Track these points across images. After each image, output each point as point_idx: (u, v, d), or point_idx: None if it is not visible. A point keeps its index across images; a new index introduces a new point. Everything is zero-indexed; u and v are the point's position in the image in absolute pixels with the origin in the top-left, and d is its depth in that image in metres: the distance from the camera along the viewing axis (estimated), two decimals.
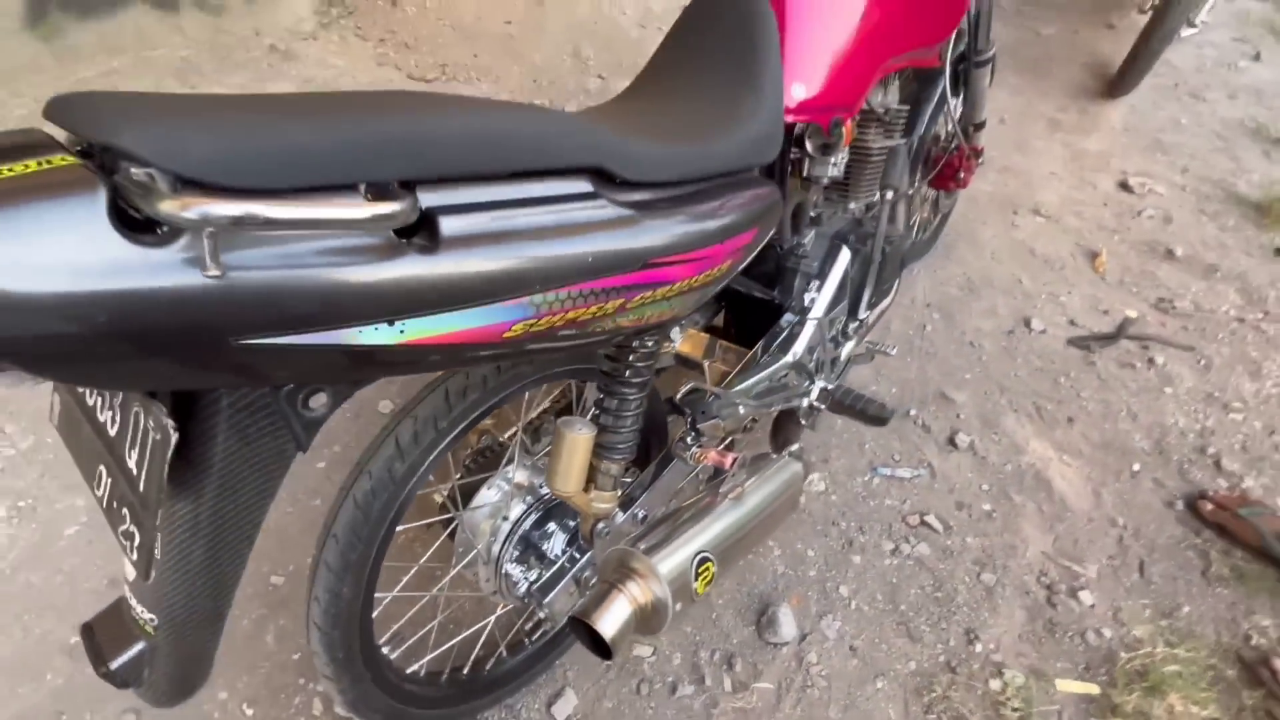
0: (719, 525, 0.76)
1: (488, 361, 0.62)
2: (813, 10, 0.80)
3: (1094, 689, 1.09)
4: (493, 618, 0.95)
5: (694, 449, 0.84)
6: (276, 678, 1.01)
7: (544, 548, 0.84)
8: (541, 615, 0.82)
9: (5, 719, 0.94)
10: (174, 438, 0.40)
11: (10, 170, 0.32)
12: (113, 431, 0.45)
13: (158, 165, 0.32)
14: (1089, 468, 1.41)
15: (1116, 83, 2.67)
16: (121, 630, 0.53)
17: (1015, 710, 1.05)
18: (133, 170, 0.33)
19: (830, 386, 1.09)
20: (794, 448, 1.00)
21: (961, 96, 1.49)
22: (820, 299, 1.02)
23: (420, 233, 0.42)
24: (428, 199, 0.42)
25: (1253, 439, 1.49)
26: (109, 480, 0.47)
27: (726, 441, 1.00)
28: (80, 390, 0.49)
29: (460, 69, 2.28)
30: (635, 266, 0.55)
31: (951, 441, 1.43)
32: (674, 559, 0.69)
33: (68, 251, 0.31)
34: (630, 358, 0.71)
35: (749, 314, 1.08)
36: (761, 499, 0.84)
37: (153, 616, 0.51)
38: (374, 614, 0.74)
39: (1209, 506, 1.32)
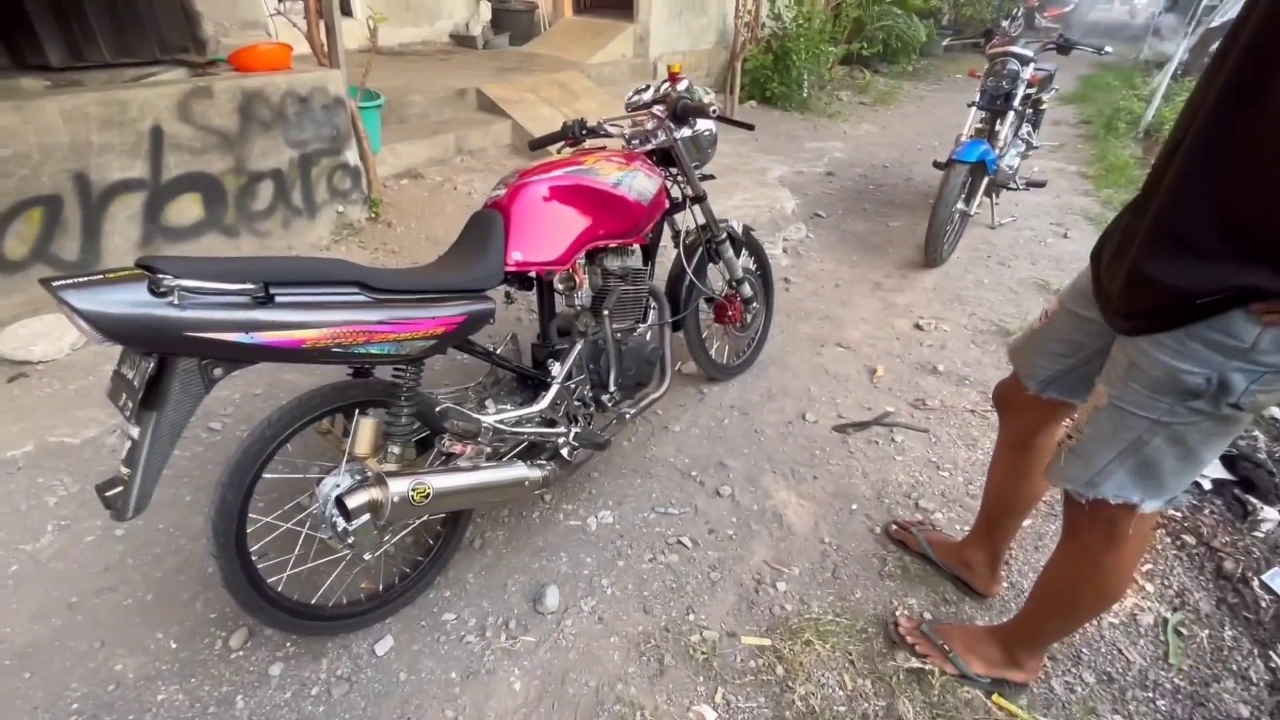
0: (447, 477, 1.36)
1: (296, 360, 1.16)
2: (521, 217, 1.53)
3: (766, 641, 1.50)
4: (336, 570, 1.47)
5: (446, 440, 1.44)
6: (198, 628, 1.50)
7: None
8: (349, 541, 1.33)
9: (12, 651, 1.44)
10: (152, 364, 1.05)
11: (119, 273, 1.02)
12: (129, 376, 1.09)
13: (163, 271, 1.01)
14: (818, 508, 1.90)
15: (927, 257, 3.49)
16: (113, 481, 1.11)
17: (703, 654, 1.46)
18: (158, 275, 1.02)
19: (580, 432, 1.69)
20: (541, 460, 1.58)
21: (721, 263, 2.25)
22: (559, 373, 1.67)
23: (269, 299, 1.11)
24: (275, 289, 1.11)
25: (952, 489, 1.98)
26: (125, 398, 1.09)
27: (488, 443, 1.54)
28: (120, 370, 1.12)
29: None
30: (375, 322, 1.22)
31: (717, 492, 1.95)
32: (401, 481, 1.28)
33: (134, 299, 0.99)
34: (400, 382, 1.36)
35: (532, 386, 1.73)
36: (491, 476, 1.45)
37: (128, 471, 1.09)
38: (248, 529, 1.29)
39: (894, 528, 1.78)
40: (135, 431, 1.08)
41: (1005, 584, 1.65)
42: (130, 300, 0.98)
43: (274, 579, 1.37)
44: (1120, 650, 1.52)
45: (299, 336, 1.12)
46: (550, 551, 1.73)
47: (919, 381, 2.52)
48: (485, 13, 6.33)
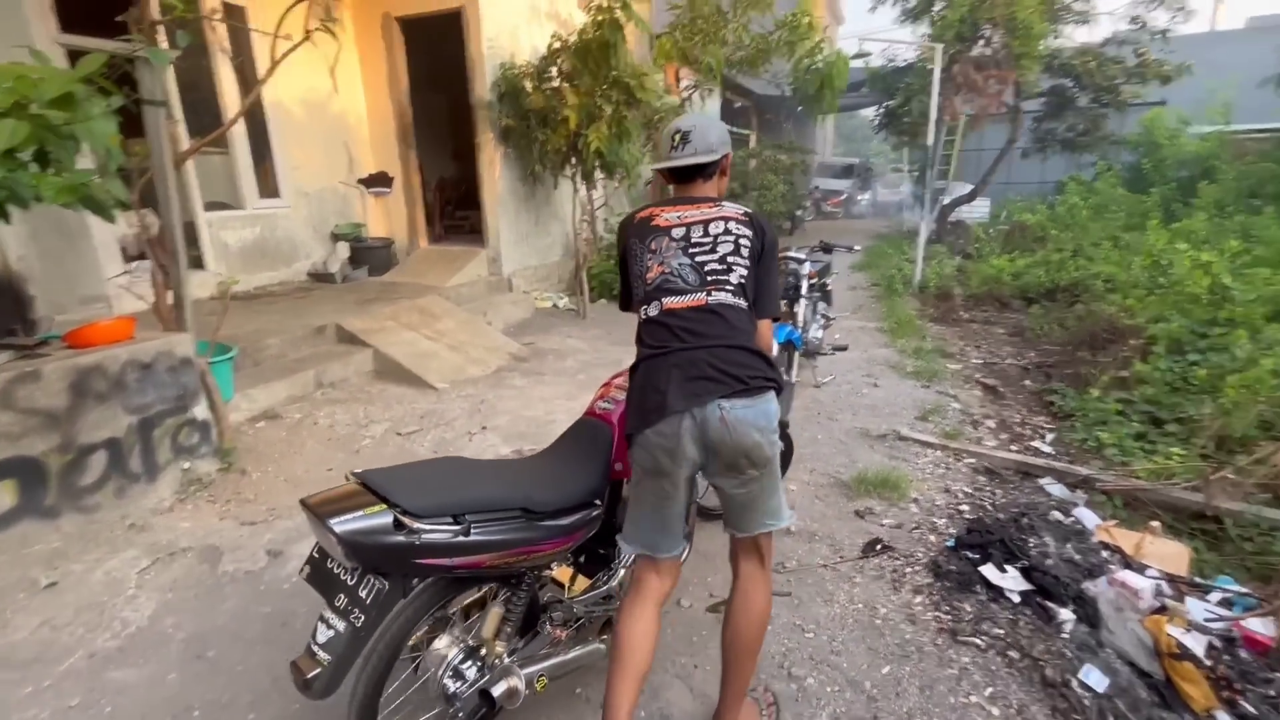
0: (551, 661, 1.70)
1: (475, 576, 1.50)
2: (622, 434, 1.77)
3: None
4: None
5: (549, 628, 1.78)
6: None
7: (465, 671, 1.56)
8: (458, 704, 1.53)
9: None
10: (388, 586, 1.32)
11: (372, 508, 1.28)
12: (349, 582, 1.33)
13: (400, 507, 1.29)
14: (704, 704, 1.93)
15: None
16: (307, 664, 1.32)
17: None
18: (400, 511, 1.29)
19: None
20: (605, 637, 1.85)
21: None
22: (625, 557, 1.89)
23: (469, 528, 1.39)
24: (470, 519, 1.40)
25: (818, 650, 2.12)
26: (342, 599, 1.32)
27: (571, 622, 1.84)
28: (326, 564, 1.38)
29: (285, 510, 3.09)
30: (531, 543, 1.51)
31: None
32: (527, 672, 1.61)
33: (380, 527, 1.28)
34: (520, 582, 1.63)
35: (592, 561, 1.93)
36: (575, 654, 1.77)
37: (328, 657, 1.30)
38: (381, 695, 1.44)
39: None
40: (341, 625, 1.32)
41: None
42: (381, 531, 1.27)
43: None
44: None
45: (481, 559, 1.44)
46: None
47: (775, 545, 2.74)
48: (343, 251, 6.79)
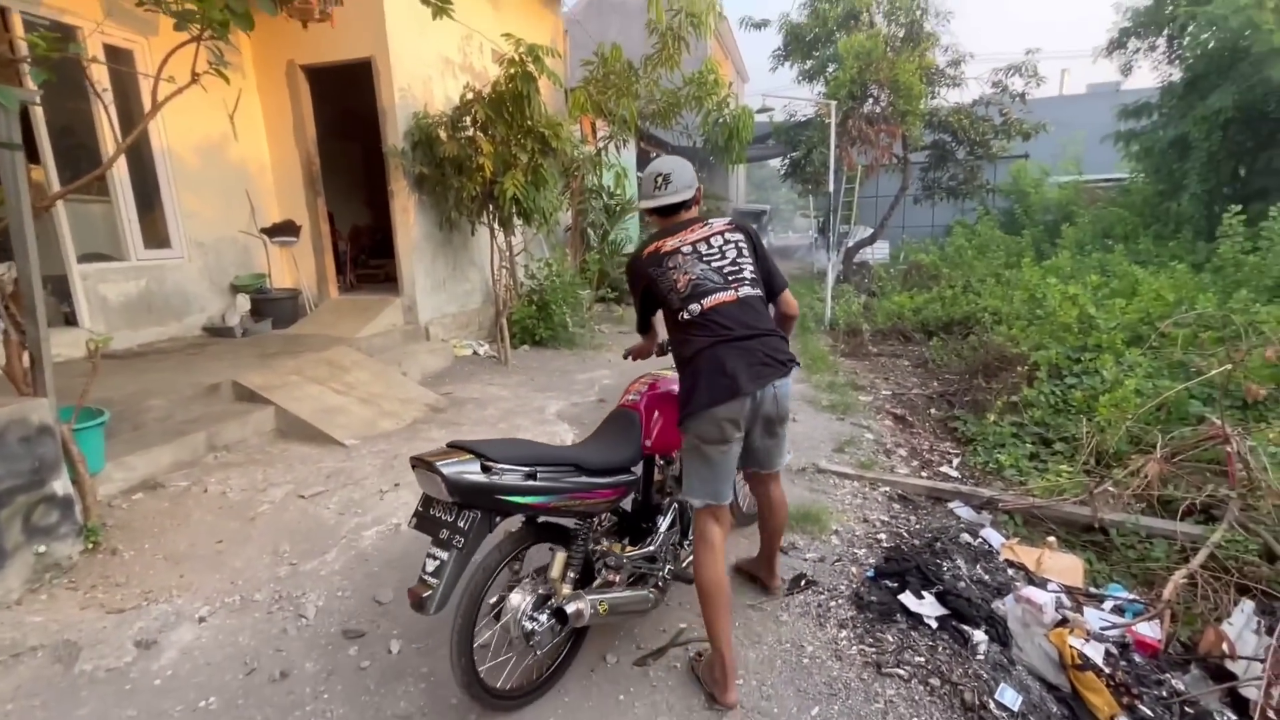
0: (609, 594, 2.06)
1: (542, 513, 1.89)
2: (651, 416, 2.26)
3: None
4: (526, 659, 2.02)
5: (603, 574, 2.14)
6: None
7: (538, 615, 1.90)
8: (536, 640, 1.88)
9: None
10: (480, 515, 1.73)
11: (464, 456, 1.72)
12: (449, 519, 1.73)
13: (485, 456, 1.72)
14: None
15: None
16: (421, 589, 1.68)
17: None
18: (487, 460, 1.73)
19: (672, 568, 2.35)
20: (653, 587, 2.26)
21: None
22: (662, 525, 2.37)
23: (535, 474, 1.81)
24: (537, 469, 1.82)
25: (748, 696, 2.06)
26: (445, 533, 1.72)
27: (625, 574, 2.21)
28: (433, 513, 1.77)
29: (163, 592, 2.75)
30: (583, 490, 1.93)
31: None
32: (591, 597, 1.97)
33: (473, 470, 1.71)
34: (581, 530, 2.02)
35: (637, 532, 2.36)
36: (628, 596, 2.15)
37: (436, 580, 1.66)
38: (474, 643, 1.79)
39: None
40: (445, 555, 1.69)
41: None
42: (471, 472, 1.68)
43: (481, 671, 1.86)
44: None
45: (545, 501, 1.84)
46: None
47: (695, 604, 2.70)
48: (244, 303, 6.37)
